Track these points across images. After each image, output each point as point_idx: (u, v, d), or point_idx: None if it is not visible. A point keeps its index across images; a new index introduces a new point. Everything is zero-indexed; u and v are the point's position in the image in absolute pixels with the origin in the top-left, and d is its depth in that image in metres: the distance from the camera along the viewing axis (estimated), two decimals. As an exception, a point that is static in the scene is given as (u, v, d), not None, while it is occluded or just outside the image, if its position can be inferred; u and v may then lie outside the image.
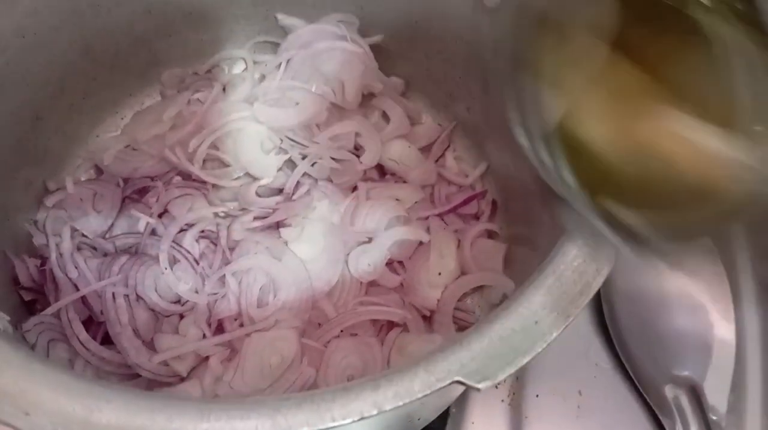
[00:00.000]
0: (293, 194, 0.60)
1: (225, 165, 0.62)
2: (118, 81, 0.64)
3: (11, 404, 0.29)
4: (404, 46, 0.64)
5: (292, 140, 0.62)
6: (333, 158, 0.61)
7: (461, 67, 0.61)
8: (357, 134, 0.63)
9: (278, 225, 0.58)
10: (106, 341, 0.52)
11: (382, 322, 0.56)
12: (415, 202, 0.61)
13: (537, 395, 0.61)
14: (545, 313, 0.33)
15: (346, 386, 0.31)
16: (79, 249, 0.56)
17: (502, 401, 0.60)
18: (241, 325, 0.54)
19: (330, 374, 0.53)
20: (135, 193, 0.60)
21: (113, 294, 0.53)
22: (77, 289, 0.53)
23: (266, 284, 0.55)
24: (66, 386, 0.30)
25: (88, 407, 0.29)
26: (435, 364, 0.31)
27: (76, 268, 0.54)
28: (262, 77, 0.66)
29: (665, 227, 0.34)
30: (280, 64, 0.64)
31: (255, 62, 0.67)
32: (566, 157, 0.34)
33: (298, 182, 0.61)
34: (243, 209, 0.60)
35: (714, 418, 0.57)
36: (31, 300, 0.54)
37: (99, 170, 0.62)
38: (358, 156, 0.62)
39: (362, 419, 0.30)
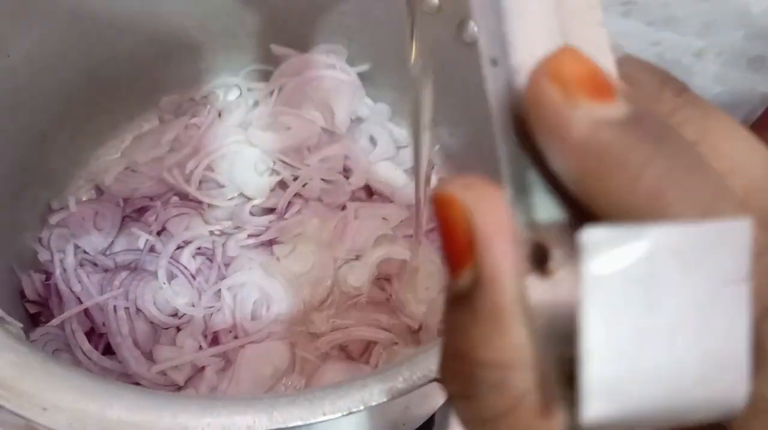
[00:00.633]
0: (285, 213, 0.63)
1: (220, 186, 0.65)
2: (119, 106, 0.66)
3: (30, 401, 0.32)
4: (390, 75, 0.67)
5: (284, 162, 0.65)
6: (323, 179, 0.64)
7: (442, 96, 0.64)
8: (346, 157, 0.66)
9: (271, 242, 0.61)
10: (108, 351, 0.55)
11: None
12: (401, 220, 0.64)
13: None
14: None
15: (337, 385, 0.33)
16: (81, 265, 0.58)
17: (484, 410, 0.63)
18: (236, 337, 0.57)
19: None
20: (134, 212, 0.63)
21: (114, 307, 0.55)
22: (80, 302, 0.56)
23: (260, 298, 0.58)
24: (80, 385, 0.33)
25: (101, 404, 0.32)
26: (417, 364, 0.34)
27: (79, 282, 0.56)
28: (256, 103, 0.69)
29: None
30: (272, 91, 0.67)
31: (249, 89, 0.70)
32: None
33: (289, 202, 0.63)
34: (237, 227, 0.62)
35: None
36: (36, 313, 0.57)
37: (100, 191, 0.65)
38: (346, 177, 0.65)
39: (351, 413, 0.32)
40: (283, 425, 0.32)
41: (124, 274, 0.57)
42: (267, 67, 0.70)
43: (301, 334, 0.58)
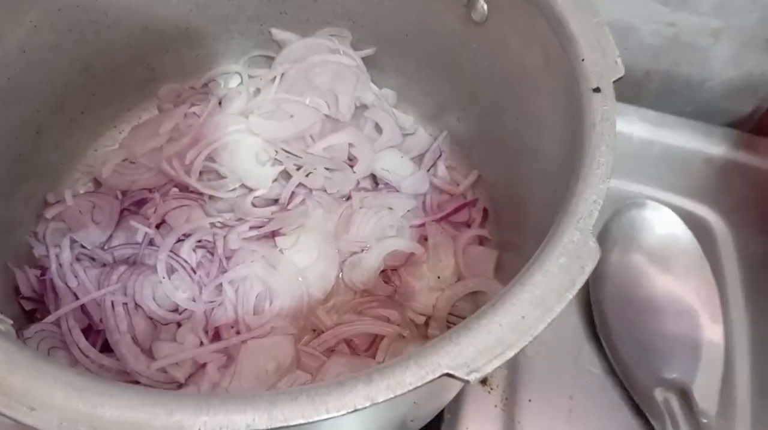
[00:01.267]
0: (288, 204, 0.61)
1: (221, 177, 0.63)
2: (116, 96, 0.65)
3: (18, 400, 0.30)
4: (395, 59, 0.66)
5: (287, 152, 0.63)
6: (327, 169, 0.63)
7: (450, 79, 0.62)
8: (350, 145, 0.64)
9: (274, 234, 0.59)
10: (106, 348, 0.53)
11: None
12: (408, 210, 0.62)
13: (529, 400, 0.61)
14: (531, 308, 0.34)
15: (341, 380, 0.31)
16: (78, 260, 0.57)
17: (495, 406, 0.61)
18: (238, 332, 0.55)
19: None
20: (133, 205, 0.61)
21: (112, 303, 0.53)
22: (77, 298, 0.54)
23: (262, 291, 0.56)
24: (71, 383, 0.31)
25: (92, 402, 0.30)
26: (425, 358, 0.32)
27: (75, 277, 0.55)
28: (257, 91, 0.67)
29: None
30: (274, 78, 0.65)
31: (250, 76, 0.69)
32: None
33: (293, 192, 0.62)
34: (239, 219, 0.61)
35: (704, 421, 0.57)
36: (32, 310, 0.55)
37: (98, 183, 0.63)
38: (351, 166, 0.63)
39: (356, 410, 0.30)
40: (284, 424, 0.30)
41: (122, 268, 0.56)
42: (268, 53, 0.68)
43: (305, 329, 0.56)
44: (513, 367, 0.63)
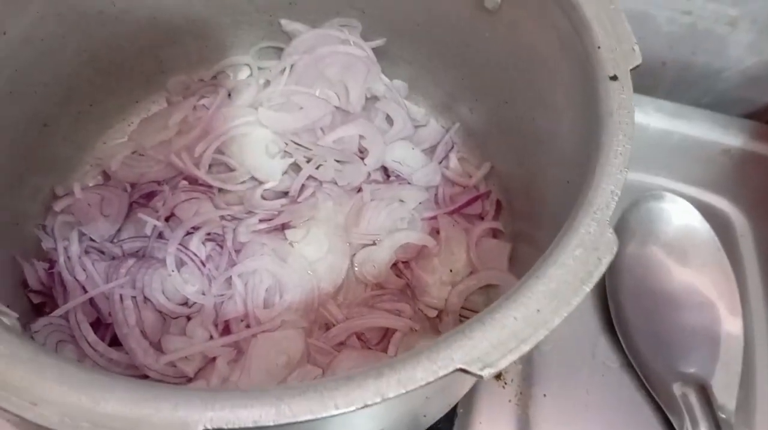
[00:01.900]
0: (298, 197, 0.60)
1: (230, 169, 0.62)
2: (125, 88, 0.64)
3: (19, 395, 0.30)
4: (406, 49, 0.65)
5: (297, 144, 0.62)
6: (337, 161, 0.62)
7: (462, 69, 0.61)
8: (361, 137, 0.63)
9: (284, 227, 0.58)
10: (114, 342, 0.53)
11: (389, 325, 0.56)
12: (419, 202, 0.61)
13: (544, 395, 0.61)
14: (547, 301, 0.33)
15: (350, 375, 0.31)
16: (87, 253, 0.56)
17: (510, 401, 0.60)
18: (248, 326, 0.54)
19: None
20: (142, 197, 0.60)
21: (121, 296, 0.53)
22: (85, 291, 0.53)
23: (272, 285, 0.56)
24: (72, 378, 0.30)
25: (94, 397, 0.29)
26: (438, 352, 0.31)
27: (84, 270, 0.54)
28: (267, 82, 0.66)
29: None
30: (284, 69, 0.65)
31: (259, 68, 0.68)
32: None
33: (303, 185, 0.61)
34: (249, 212, 0.60)
35: (723, 416, 0.56)
36: (40, 303, 0.55)
37: (106, 176, 0.63)
38: (362, 158, 0.62)
39: (366, 406, 0.30)
40: (292, 420, 0.29)
41: (131, 261, 0.55)
42: (278, 44, 0.67)
43: (315, 322, 0.55)
44: (527, 361, 0.62)
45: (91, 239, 0.57)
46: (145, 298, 0.54)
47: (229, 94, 0.66)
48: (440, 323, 0.58)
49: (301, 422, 0.29)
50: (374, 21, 0.63)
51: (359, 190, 0.61)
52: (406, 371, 0.30)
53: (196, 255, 0.56)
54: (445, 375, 0.31)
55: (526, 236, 0.58)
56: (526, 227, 0.58)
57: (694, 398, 0.57)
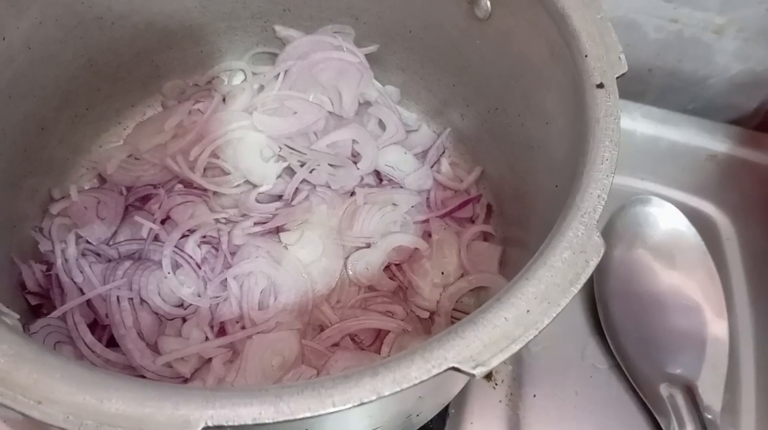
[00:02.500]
0: (292, 200, 0.61)
1: (225, 173, 0.63)
2: (121, 92, 0.65)
3: (24, 394, 0.30)
4: (399, 56, 0.66)
5: (291, 148, 0.63)
6: (331, 165, 0.63)
7: (454, 75, 0.62)
8: (354, 141, 0.64)
9: (278, 230, 0.59)
10: (111, 343, 0.54)
11: (382, 326, 0.57)
12: (412, 206, 0.62)
13: (534, 396, 0.61)
14: (536, 302, 0.34)
15: (346, 374, 0.31)
16: (83, 255, 0.57)
17: (500, 401, 0.61)
18: (243, 327, 0.55)
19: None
20: (138, 200, 0.61)
21: (118, 297, 0.54)
22: (82, 293, 0.54)
23: (267, 287, 0.57)
24: (77, 377, 0.31)
25: (98, 396, 0.30)
26: (431, 352, 0.32)
27: (81, 272, 0.55)
28: (261, 87, 0.67)
29: None
30: (278, 75, 0.66)
31: (254, 73, 0.69)
32: None
33: (297, 188, 0.62)
34: (243, 215, 0.61)
35: (709, 417, 0.57)
36: (38, 305, 0.55)
37: (102, 179, 0.63)
38: (355, 163, 0.63)
39: (362, 404, 0.30)
40: (290, 417, 0.30)
41: (127, 263, 0.56)
42: (272, 50, 0.68)
43: (309, 324, 0.56)
44: (518, 362, 0.63)
45: (88, 242, 0.58)
46: (141, 300, 0.55)
47: (224, 99, 0.66)
48: (432, 324, 0.58)
49: (299, 420, 0.30)
50: (367, 28, 0.64)
51: (352, 193, 0.62)
52: (400, 369, 0.31)
53: (191, 257, 0.57)
54: (439, 374, 0.31)
55: (516, 239, 0.59)
56: (516, 230, 0.59)
57: (680, 399, 0.58)
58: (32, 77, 0.55)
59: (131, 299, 0.54)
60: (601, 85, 0.42)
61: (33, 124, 0.57)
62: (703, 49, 0.77)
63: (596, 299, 0.64)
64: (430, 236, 0.61)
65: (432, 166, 0.66)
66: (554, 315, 0.33)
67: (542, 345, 0.64)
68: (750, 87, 0.80)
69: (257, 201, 0.62)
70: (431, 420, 0.56)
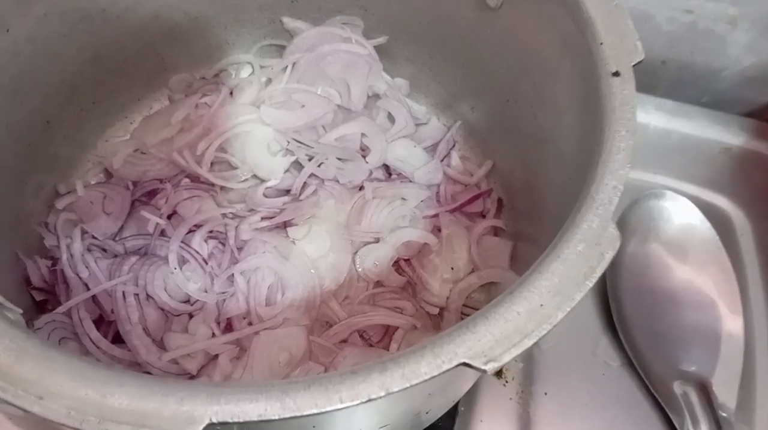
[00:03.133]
0: (300, 194, 0.61)
1: (233, 167, 0.63)
2: (127, 86, 0.64)
3: (26, 389, 0.30)
4: (408, 48, 0.65)
5: (299, 142, 0.62)
6: (339, 159, 0.62)
7: (464, 68, 0.62)
8: (363, 135, 0.63)
9: (286, 225, 0.58)
10: (117, 340, 0.53)
11: (391, 323, 0.56)
12: (421, 200, 0.61)
13: (545, 393, 0.61)
14: (550, 296, 0.33)
15: (354, 369, 0.31)
16: (89, 250, 0.56)
17: (511, 399, 0.60)
18: (250, 323, 0.54)
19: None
20: (144, 195, 0.60)
21: (123, 293, 0.53)
22: (88, 288, 0.54)
23: (274, 282, 0.56)
24: (80, 372, 0.30)
25: (102, 391, 0.30)
26: (441, 346, 0.31)
27: (86, 268, 0.54)
28: (269, 80, 0.66)
29: None
30: (286, 68, 0.65)
31: (261, 66, 0.68)
32: None
33: (305, 183, 0.61)
34: (251, 210, 0.60)
35: (723, 414, 0.56)
36: (43, 300, 0.55)
37: (108, 174, 0.63)
38: (364, 156, 0.63)
39: (370, 400, 0.30)
40: (297, 413, 0.29)
41: (133, 259, 0.55)
42: (280, 42, 0.67)
43: (317, 320, 0.56)
44: (528, 359, 0.62)
45: (94, 237, 0.57)
46: (147, 295, 0.54)
47: (231, 92, 0.66)
48: (442, 320, 0.58)
49: (305, 416, 0.29)
50: (376, 19, 0.63)
51: (361, 188, 0.62)
52: (410, 365, 0.30)
53: (198, 253, 0.56)
54: (449, 369, 0.31)
55: (527, 235, 0.58)
56: (527, 225, 0.58)
57: (694, 397, 0.57)
58: (37, 72, 0.55)
59: (137, 294, 0.54)
60: (617, 74, 0.41)
61: (38, 120, 0.57)
62: (715, 42, 0.76)
63: (608, 295, 0.64)
64: (439, 230, 0.60)
65: (442, 160, 0.65)
66: (568, 309, 0.32)
67: (553, 342, 0.63)
68: (763, 80, 0.79)
69: (265, 196, 0.61)
70: (440, 418, 0.55)
